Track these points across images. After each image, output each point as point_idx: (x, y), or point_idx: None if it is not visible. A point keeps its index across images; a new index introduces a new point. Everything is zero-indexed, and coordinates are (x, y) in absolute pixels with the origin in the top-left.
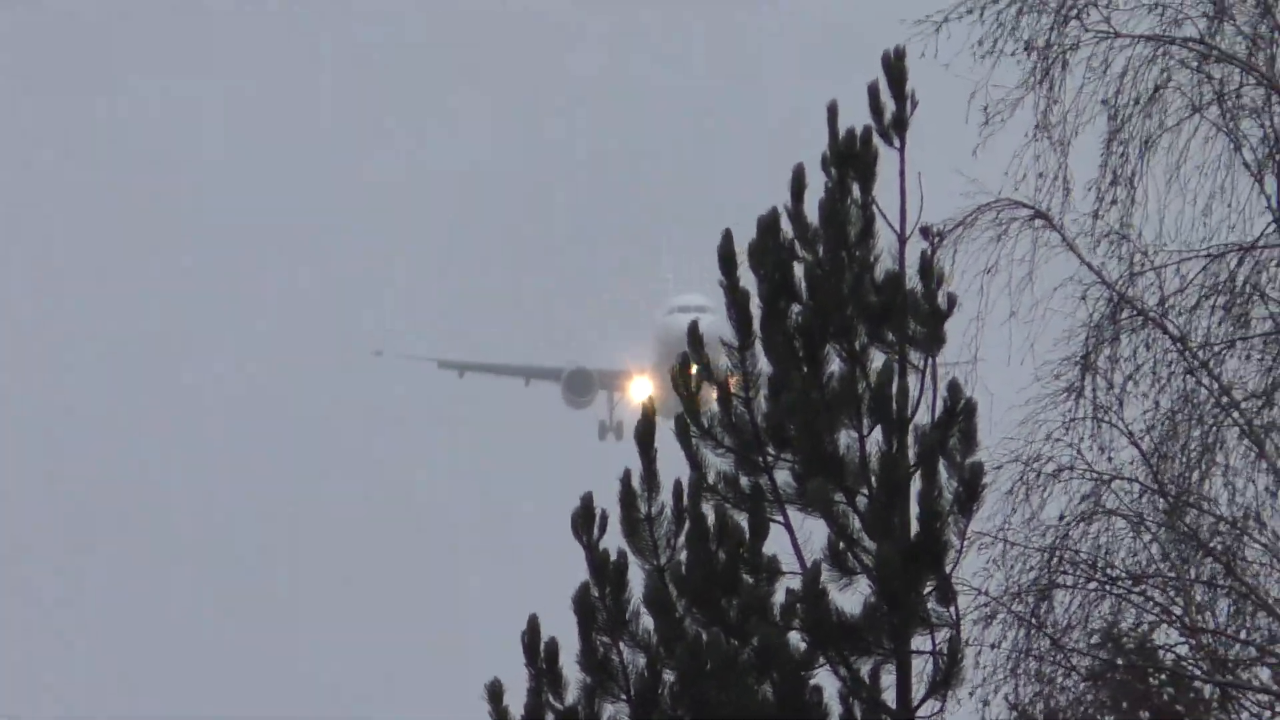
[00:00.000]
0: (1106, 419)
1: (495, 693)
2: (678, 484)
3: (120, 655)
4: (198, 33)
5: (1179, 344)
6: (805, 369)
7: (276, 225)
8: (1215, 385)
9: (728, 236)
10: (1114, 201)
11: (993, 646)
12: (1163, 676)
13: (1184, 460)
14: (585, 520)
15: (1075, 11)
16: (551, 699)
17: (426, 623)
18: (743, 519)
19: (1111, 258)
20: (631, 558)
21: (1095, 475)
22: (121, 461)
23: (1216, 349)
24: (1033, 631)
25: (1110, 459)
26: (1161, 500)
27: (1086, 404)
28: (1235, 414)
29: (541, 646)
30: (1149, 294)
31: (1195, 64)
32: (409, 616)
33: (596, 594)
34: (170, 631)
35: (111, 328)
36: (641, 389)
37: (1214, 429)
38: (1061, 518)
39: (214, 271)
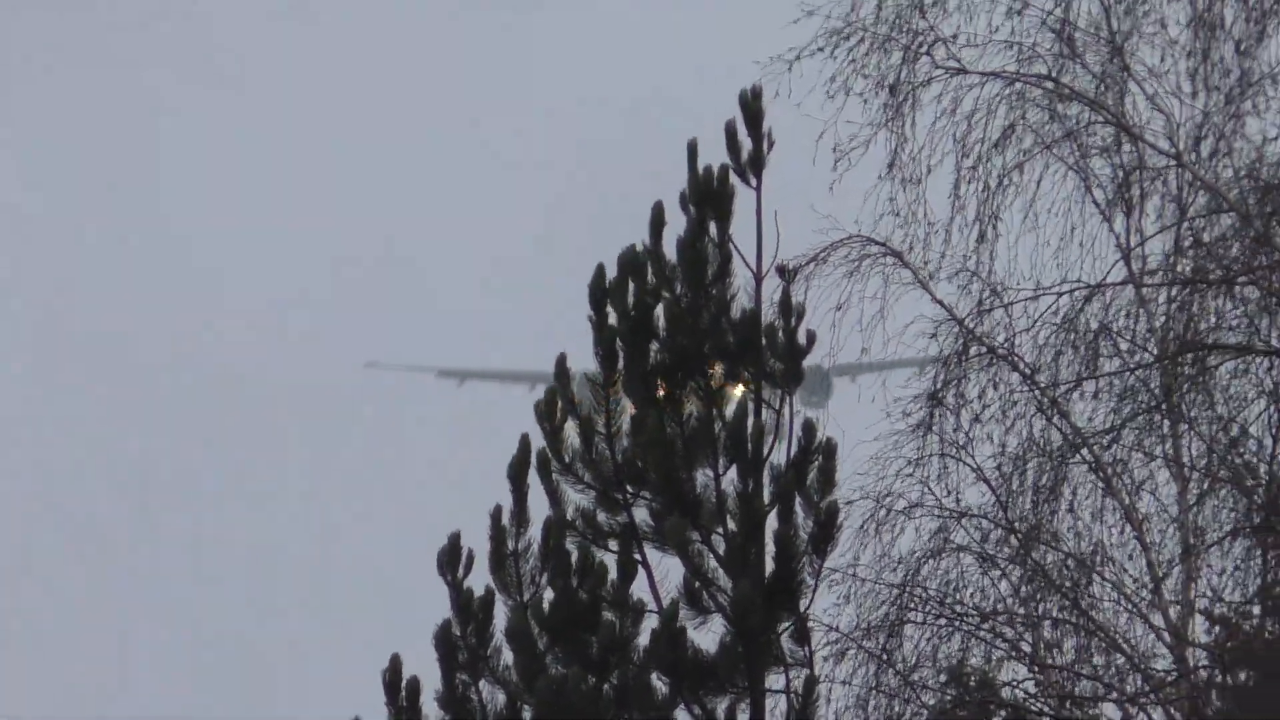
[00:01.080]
0: (956, 456)
1: None
2: (547, 520)
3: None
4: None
5: (1028, 381)
6: (665, 407)
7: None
8: (1064, 423)
9: (599, 271)
10: (968, 239)
11: (844, 683)
12: (1004, 713)
13: (1033, 497)
14: (451, 558)
15: (925, 48)
16: None
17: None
18: (610, 556)
19: (963, 295)
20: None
21: (945, 512)
22: (121, 463)
23: (1065, 387)
24: (883, 668)
25: (959, 497)
26: (1011, 537)
27: (935, 440)
28: (1084, 451)
29: (403, 684)
30: (998, 331)
31: (1046, 102)
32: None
33: (458, 632)
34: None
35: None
36: None
37: (1062, 466)
38: (912, 554)
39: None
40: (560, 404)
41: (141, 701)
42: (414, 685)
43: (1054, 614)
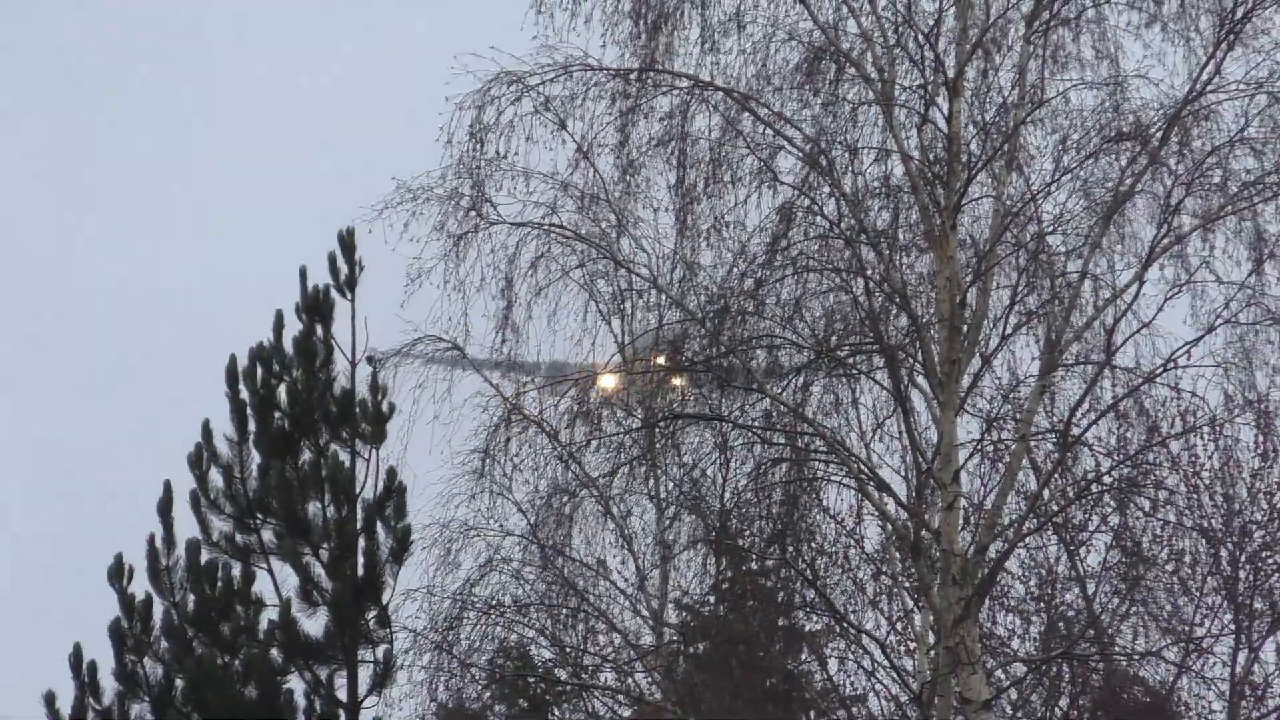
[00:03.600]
0: (502, 493)
1: (49, 699)
2: (193, 540)
3: None
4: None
5: (553, 440)
6: (286, 458)
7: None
8: (579, 469)
9: (233, 359)
10: (505, 339)
11: (422, 668)
12: (536, 678)
13: (557, 524)
14: (118, 571)
15: (478, 206)
16: (93, 703)
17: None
18: (239, 566)
19: (506, 379)
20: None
21: (494, 534)
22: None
23: (579, 444)
24: (445, 652)
25: (502, 523)
26: (539, 552)
27: (487, 482)
28: (592, 489)
29: (84, 665)
30: (532, 405)
31: (565, 241)
32: None
33: (126, 625)
34: None
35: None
36: None
37: (577, 501)
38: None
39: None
40: (206, 456)
41: None
42: (93, 666)
43: (571, 607)
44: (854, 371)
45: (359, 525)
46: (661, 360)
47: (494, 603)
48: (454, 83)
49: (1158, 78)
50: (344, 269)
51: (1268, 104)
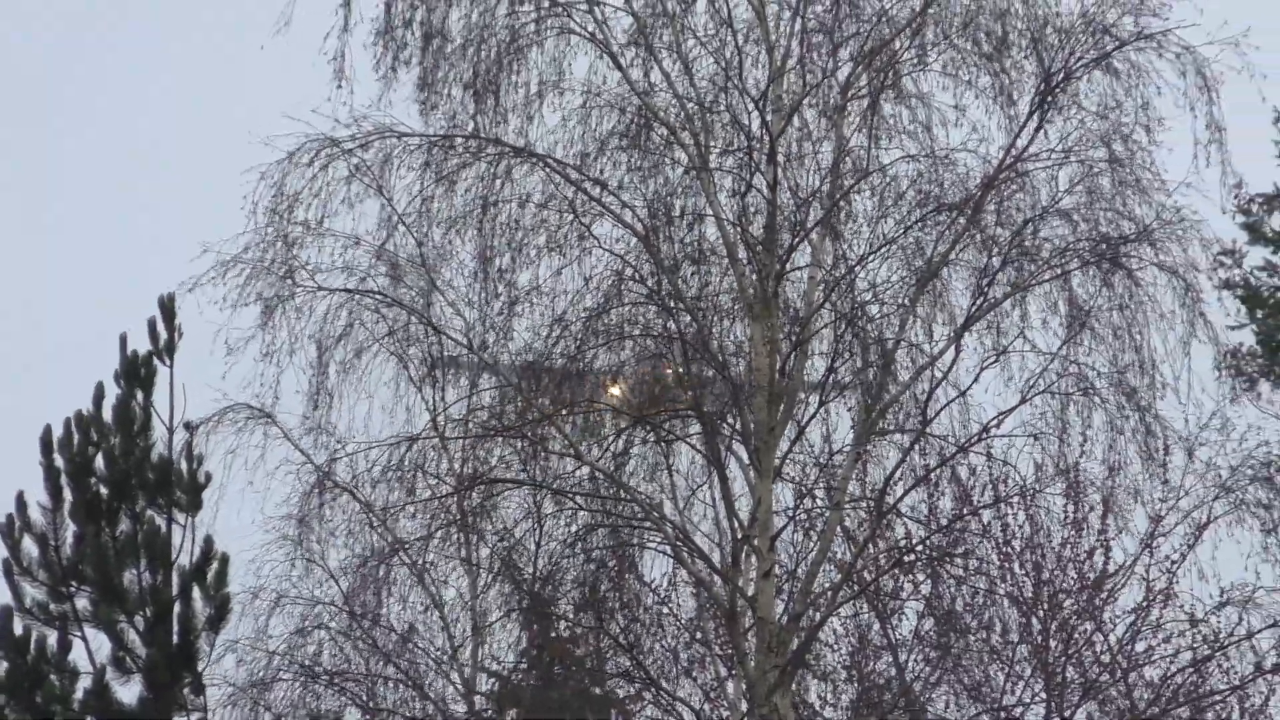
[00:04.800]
0: (311, 559)
1: None
2: (3, 608)
3: None
4: None
5: (365, 506)
6: (103, 525)
7: None
8: (390, 535)
9: (47, 429)
10: (317, 406)
11: None
12: None
13: (369, 588)
14: None
15: (289, 272)
16: None
17: None
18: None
19: (318, 446)
20: None
21: (307, 600)
22: None
23: (392, 510)
24: (261, 713)
25: (314, 590)
26: (352, 619)
27: (300, 549)
28: (403, 554)
29: None
30: (344, 471)
31: (376, 308)
32: None
33: None
34: None
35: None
36: None
37: (390, 568)
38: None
39: None
40: (19, 525)
41: None
42: None
43: (383, 675)
44: (670, 438)
45: (175, 592)
46: (476, 425)
47: (309, 666)
48: (263, 147)
49: (975, 144)
50: (163, 335)
51: (1085, 172)
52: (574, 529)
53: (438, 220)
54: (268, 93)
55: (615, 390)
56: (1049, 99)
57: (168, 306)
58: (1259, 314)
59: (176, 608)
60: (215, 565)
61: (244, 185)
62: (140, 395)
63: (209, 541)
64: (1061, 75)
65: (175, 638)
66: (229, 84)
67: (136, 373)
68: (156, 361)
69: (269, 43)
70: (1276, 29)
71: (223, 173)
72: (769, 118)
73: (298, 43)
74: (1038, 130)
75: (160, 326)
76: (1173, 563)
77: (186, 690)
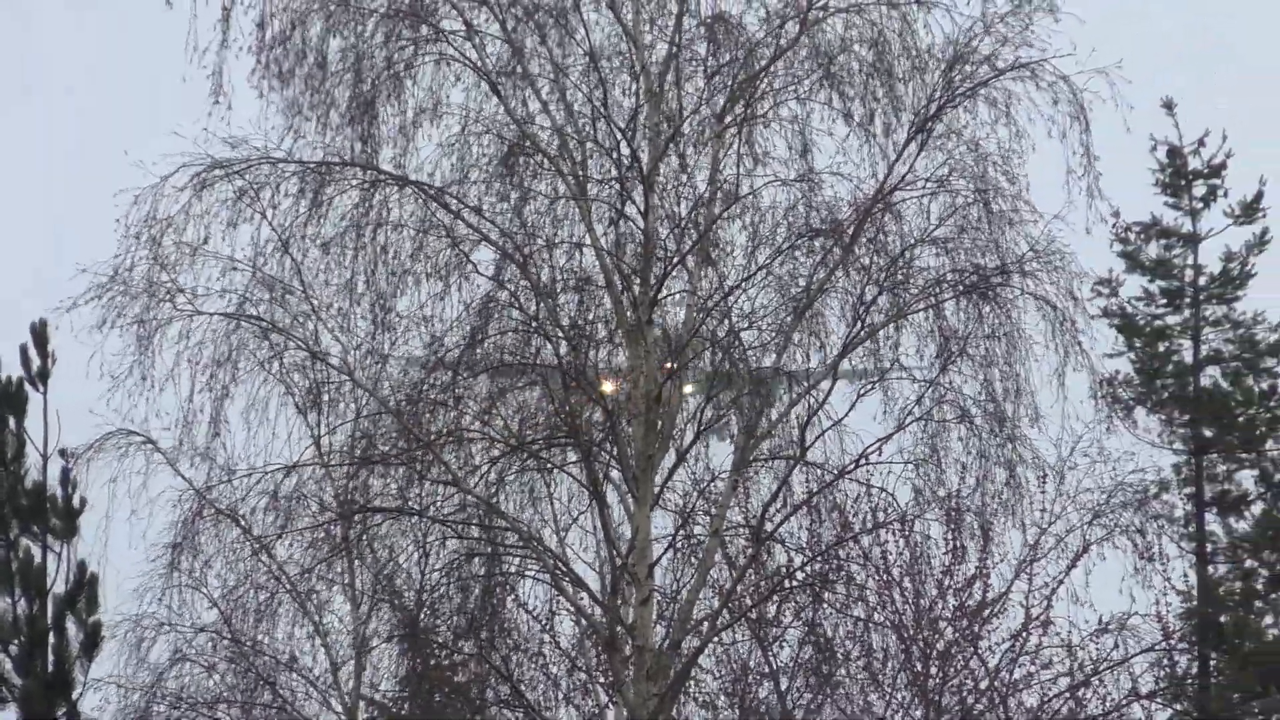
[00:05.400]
0: (195, 587)
1: None
2: None
3: None
4: None
5: (245, 532)
6: None
7: None
8: (273, 563)
9: None
10: (194, 431)
11: None
12: None
13: (253, 616)
14: None
15: (169, 295)
16: None
17: None
18: None
19: (199, 471)
20: None
21: (185, 629)
22: None
23: (270, 537)
24: None
25: (193, 618)
26: (231, 646)
27: (180, 576)
28: (286, 583)
29: None
30: (225, 498)
31: (257, 333)
32: None
33: None
34: None
35: None
36: None
37: (272, 595)
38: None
39: None
40: None
41: None
42: None
43: (263, 701)
44: (549, 466)
45: (49, 621)
46: (358, 452)
47: (184, 697)
48: (142, 171)
49: (850, 172)
50: (36, 361)
51: (958, 202)
52: (454, 557)
53: (317, 245)
54: (145, 112)
55: (607, 387)
56: (924, 128)
57: (40, 332)
58: (1136, 342)
59: (51, 636)
60: (85, 590)
61: (118, 208)
62: (12, 422)
63: (82, 567)
64: (937, 105)
65: (50, 666)
66: (108, 98)
67: (8, 399)
68: (29, 387)
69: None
70: (1143, 61)
71: (97, 194)
72: (642, 146)
73: (175, 60)
74: (914, 160)
75: (33, 352)
76: (1050, 590)
77: (62, 719)
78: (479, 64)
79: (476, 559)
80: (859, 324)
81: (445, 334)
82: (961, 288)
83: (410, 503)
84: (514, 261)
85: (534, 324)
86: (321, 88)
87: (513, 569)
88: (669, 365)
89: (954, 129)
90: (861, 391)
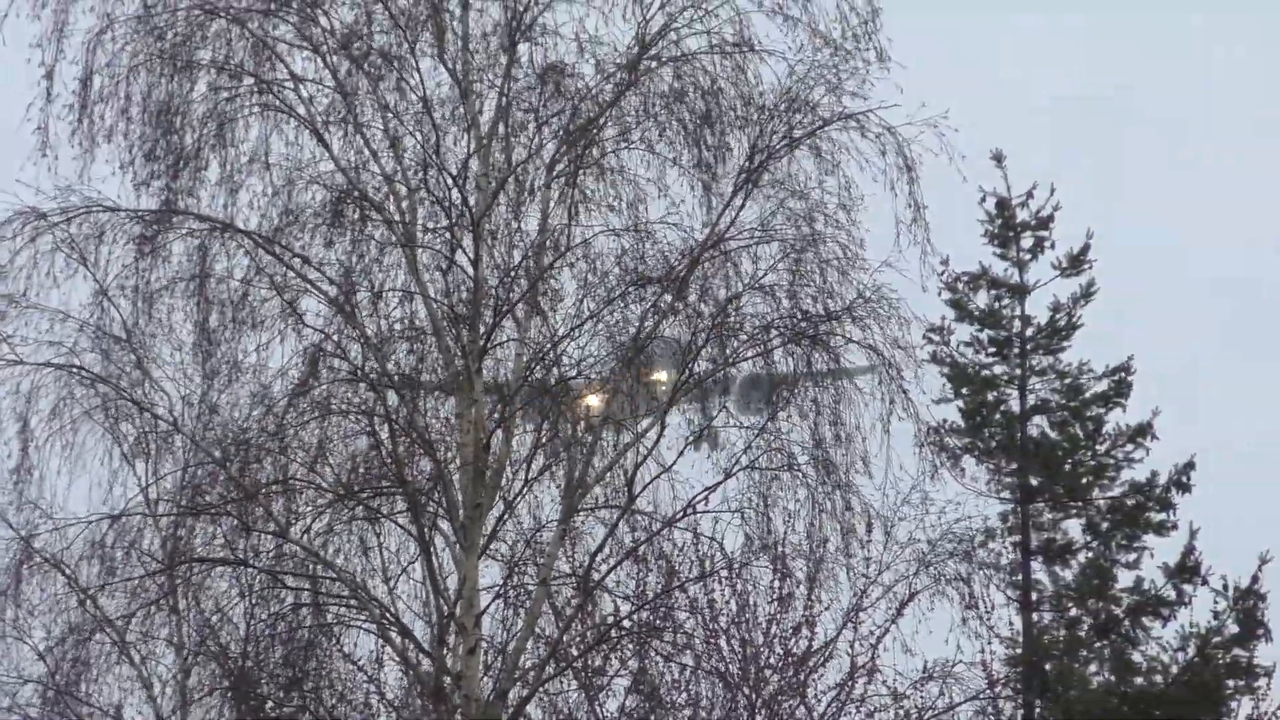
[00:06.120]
0: (19, 637)
1: None
2: None
3: None
4: None
5: (72, 582)
6: None
7: None
8: (99, 613)
9: None
10: (18, 481)
11: None
12: None
13: (70, 665)
14: None
15: None
16: None
17: None
18: None
19: (17, 520)
20: None
21: (10, 680)
22: None
23: (95, 588)
24: None
25: (19, 671)
26: (54, 697)
27: (4, 626)
28: (109, 631)
29: None
30: (50, 546)
31: (85, 382)
32: None
33: None
34: None
35: None
36: None
37: (95, 644)
38: None
39: None
40: None
41: None
42: None
43: None
44: (377, 515)
45: None
46: (186, 502)
47: None
48: None
49: (680, 220)
50: None
51: (786, 250)
52: (280, 607)
53: (144, 295)
54: None
55: (593, 400)
56: (753, 177)
57: None
58: (964, 390)
59: None
60: None
61: None
62: None
63: None
64: (765, 154)
65: None
66: None
67: None
68: None
69: None
70: (976, 112)
71: None
72: (473, 195)
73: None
74: (742, 207)
75: None
76: (876, 638)
77: None
78: (306, 113)
79: (303, 609)
80: (687, 371)
81: (273, 383)
82: (789, 335)
83: (237, 553)
84: (342, 311)
85: (362, 374)
86: (149, 138)
87: (339, 619)
88: (498, 415)
89: (784, 177)
90: (690, 440)
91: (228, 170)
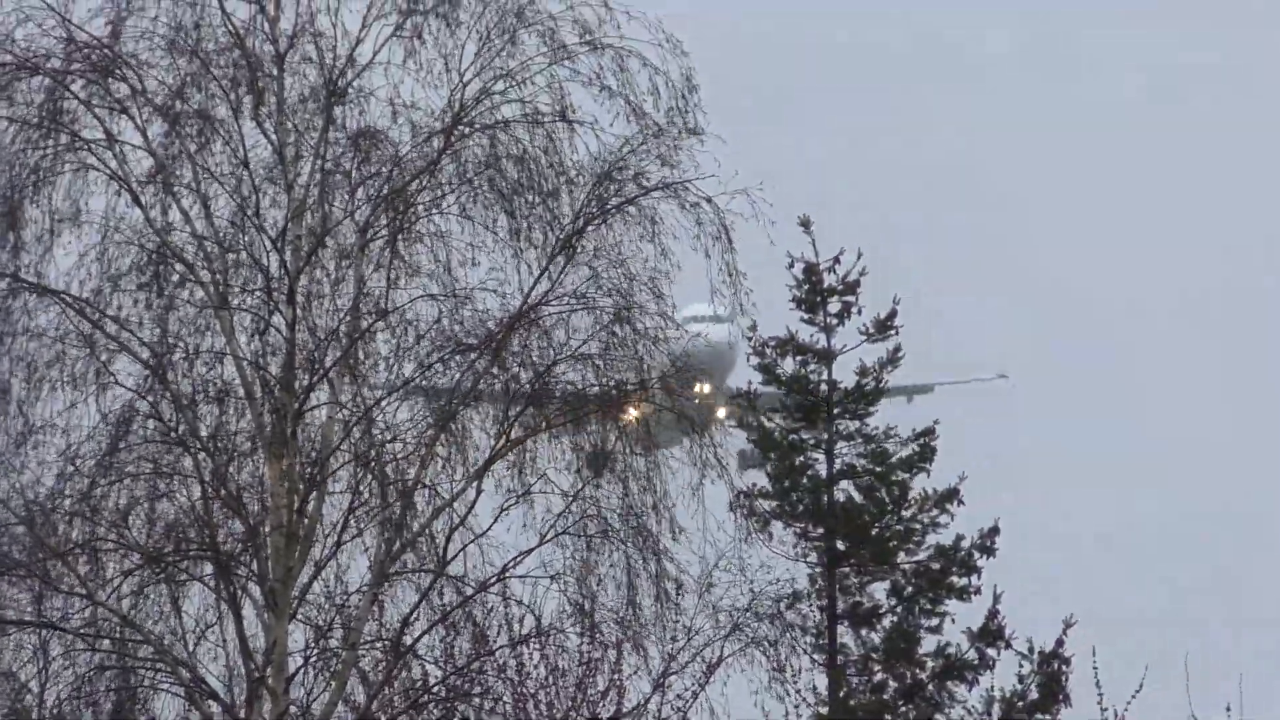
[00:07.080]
0: None
1: None
2: None
3: None
4: None
5: None
6: None
7: None
8: None
9: None
10: None
11: None
12: None
13: None
14: None
15: None
16: None
17: None
18: None
19: None
20: None
21: None
22: None
23: None
24: None
25: None
26: None
27: None
28: None
29: None
30: None
31: None
32: None
33: None
34: None
35: None
36: None
37: None
38: None
39: None
40: None
41: None
42: None
43: None
44: (184, 578)
45: None
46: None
47: None
48: None
49: (495, 286)
50: None
51: (601, 319)
52: (85, 670)
53: None
54: None
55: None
56: (569, 244)
57: None
58: (771, 455)
59: None
60: None
61: None
62: None
63: None
64: (582, 221)
65: None
66: None
67: None
68: None
69: None
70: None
71: None
72: (287, 258)
73: None
74: (559, 275)
75: None
76: (684, 702)
77: None
78: (120, 172)
79: (109, 672)
80: (503, 438)
81: (82, 443)
82: (604, 402)
83: (42, 615)
84: (153, 372)
85: (174, 435)
86: None
87: (146, 682)
88: (310, 478)
89: (601, 246)
90: (505, 504)
91: (41, 228)
